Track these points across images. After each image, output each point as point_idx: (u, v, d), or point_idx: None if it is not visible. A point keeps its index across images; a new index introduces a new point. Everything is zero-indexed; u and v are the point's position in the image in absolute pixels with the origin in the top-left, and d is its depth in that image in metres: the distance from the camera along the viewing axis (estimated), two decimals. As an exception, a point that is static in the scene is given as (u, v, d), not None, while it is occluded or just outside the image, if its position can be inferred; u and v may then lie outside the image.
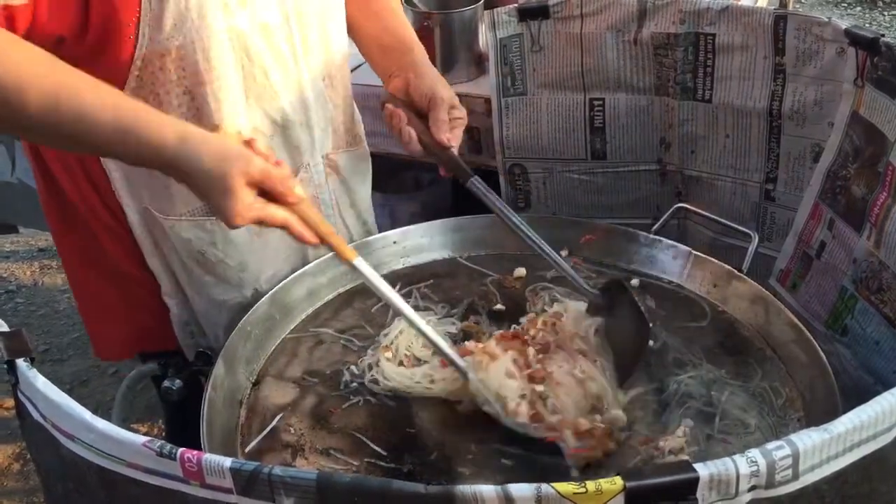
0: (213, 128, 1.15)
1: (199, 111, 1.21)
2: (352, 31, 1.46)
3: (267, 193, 1.09)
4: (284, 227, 1.11)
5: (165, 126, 1.05)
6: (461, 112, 1.39)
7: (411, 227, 1.57)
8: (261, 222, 1.09)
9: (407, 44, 1.45)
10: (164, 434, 2.23)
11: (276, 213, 1.09)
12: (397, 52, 1.44)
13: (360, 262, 1.16)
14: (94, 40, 1.11)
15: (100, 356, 1.52)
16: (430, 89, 1.37)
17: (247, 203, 1.06)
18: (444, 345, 1.20)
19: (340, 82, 1.43)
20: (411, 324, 1.19)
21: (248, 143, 1.10)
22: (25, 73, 0.99)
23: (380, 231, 1.59)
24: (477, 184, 1.34)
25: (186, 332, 1.40)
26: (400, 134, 1.36)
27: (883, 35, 1.37)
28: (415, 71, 1.39)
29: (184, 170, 1.05)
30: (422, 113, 1.38)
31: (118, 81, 1.13)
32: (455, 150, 1.36)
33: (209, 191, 1.06)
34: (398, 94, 1.40)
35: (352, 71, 1.51)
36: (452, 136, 1.35)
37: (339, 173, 1.48)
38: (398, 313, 1.20)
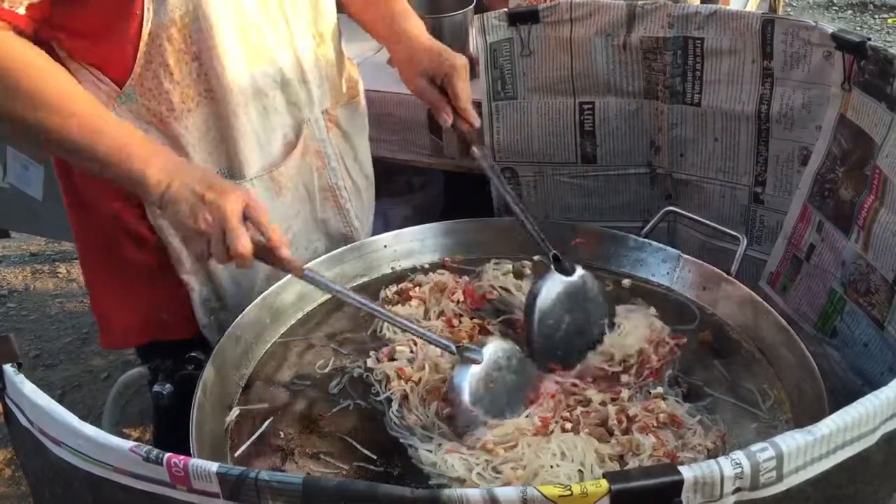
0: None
1: (207, 75, 1.29)
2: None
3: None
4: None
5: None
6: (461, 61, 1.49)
7: (403, 231, 1.57)
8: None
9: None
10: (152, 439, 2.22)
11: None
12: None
13: (309, 272, 1.21)
14: (102, 20, 1.19)
15: (107, 346, 1.54)
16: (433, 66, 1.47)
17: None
18: (421, 329, 1.24)
19: (331, 39, 1.48)
20: (382, 316, 1.27)
21: None
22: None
23: (373, 234, 1.59)
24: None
25: (207, 308, 1.42)
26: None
27: (869, 39, 1.37)
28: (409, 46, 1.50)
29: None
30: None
31: (130, 56, 1.23)
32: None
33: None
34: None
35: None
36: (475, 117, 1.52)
37: (340, 127, 1.53)
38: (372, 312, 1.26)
